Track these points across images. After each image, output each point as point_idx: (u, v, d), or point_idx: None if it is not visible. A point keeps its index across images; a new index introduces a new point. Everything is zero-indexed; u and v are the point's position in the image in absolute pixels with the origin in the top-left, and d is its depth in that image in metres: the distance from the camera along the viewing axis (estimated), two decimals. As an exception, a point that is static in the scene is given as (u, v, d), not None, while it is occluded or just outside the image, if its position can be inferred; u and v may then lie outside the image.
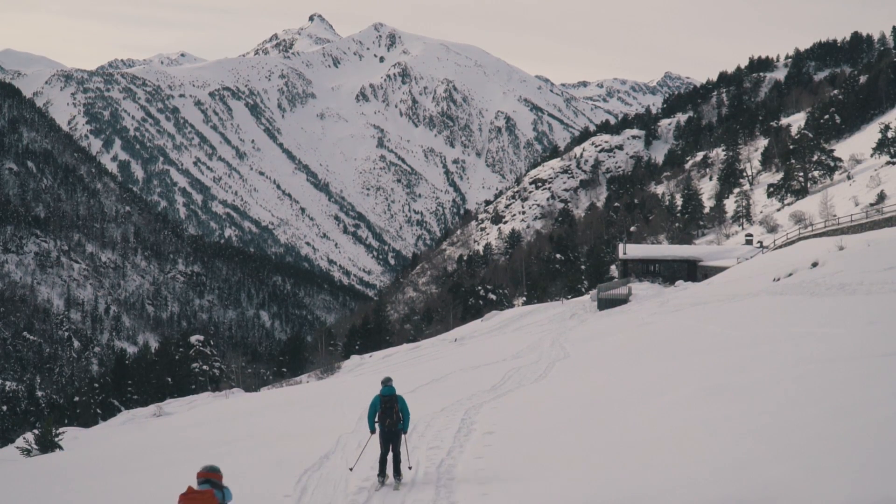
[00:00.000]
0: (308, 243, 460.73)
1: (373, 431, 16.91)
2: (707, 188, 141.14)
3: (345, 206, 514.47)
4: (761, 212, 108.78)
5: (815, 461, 11.74)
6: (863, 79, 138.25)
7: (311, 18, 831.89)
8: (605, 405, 20.48)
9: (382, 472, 16.70)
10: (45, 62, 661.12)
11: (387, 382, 16.99)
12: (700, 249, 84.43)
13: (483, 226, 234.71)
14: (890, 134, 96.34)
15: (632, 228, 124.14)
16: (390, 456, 16.72)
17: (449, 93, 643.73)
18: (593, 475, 14.15)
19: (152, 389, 77.83)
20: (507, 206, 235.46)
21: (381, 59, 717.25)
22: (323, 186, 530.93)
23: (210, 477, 11.35)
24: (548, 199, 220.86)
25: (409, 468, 17.16)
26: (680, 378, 21.62)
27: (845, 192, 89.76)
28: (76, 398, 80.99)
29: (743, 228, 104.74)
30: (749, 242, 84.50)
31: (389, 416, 16.52)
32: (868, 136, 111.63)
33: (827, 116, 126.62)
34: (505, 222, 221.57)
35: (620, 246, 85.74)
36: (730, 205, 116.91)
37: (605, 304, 66.78)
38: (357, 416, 25.59)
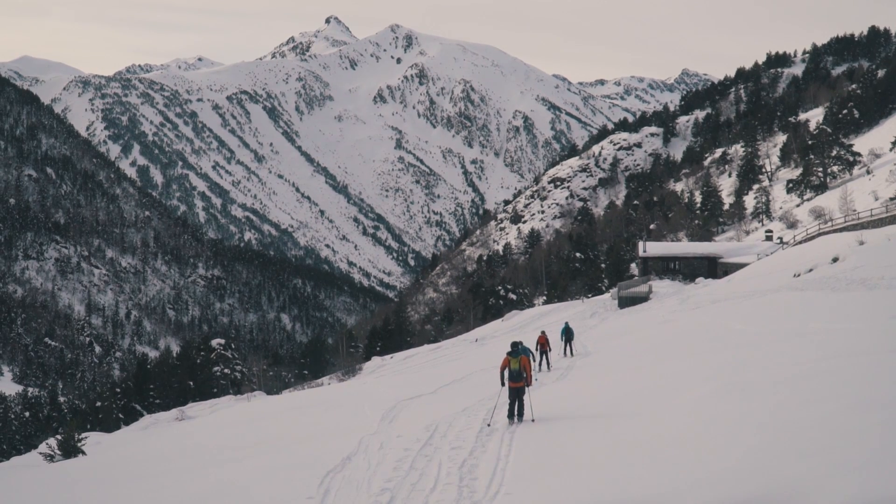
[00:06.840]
0: (328, 245, 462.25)
1: (562, 340, 39.09)
2: (726, 185, 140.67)
3: (364, 207, 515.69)
4: (781, 208, 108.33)
5: (837, 457, 11.70)
6: (881, 73, 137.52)
7: (327, 21, 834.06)
8: (627, 403, 20.47)
9: (565, 354, 38.82)
10: (62, 68, 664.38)
11: (567, 323, 40.55)
12: (720, 246, 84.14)
13: (502, 226, 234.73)
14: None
15: (651, 226, 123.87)
16: (569, 348, 38.97)
17: (466, 93, 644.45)
18: (616, 473, 14.15)
19: (174, 393, 78.17)
20: (526, 206, 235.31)
21: (398, 61, 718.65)
22: (342, 188, 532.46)
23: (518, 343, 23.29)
24: (567, 198, 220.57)
25: (571, 355, 38.73)
26: (700, 375, 21.58)
27: (865, 187, 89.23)
28: (98, 403, 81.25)
29: (762, 224, 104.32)
30: (769, 238, 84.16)
31: (568, 335, 38.74)
32: (887, 130, 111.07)
33: (845, 111, 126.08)
34: (524, 222, 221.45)
35: (640, 244, 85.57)
36: (749, 201, 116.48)
37: (625, 302, 66.73)
38: (379, 417, 25.61)
